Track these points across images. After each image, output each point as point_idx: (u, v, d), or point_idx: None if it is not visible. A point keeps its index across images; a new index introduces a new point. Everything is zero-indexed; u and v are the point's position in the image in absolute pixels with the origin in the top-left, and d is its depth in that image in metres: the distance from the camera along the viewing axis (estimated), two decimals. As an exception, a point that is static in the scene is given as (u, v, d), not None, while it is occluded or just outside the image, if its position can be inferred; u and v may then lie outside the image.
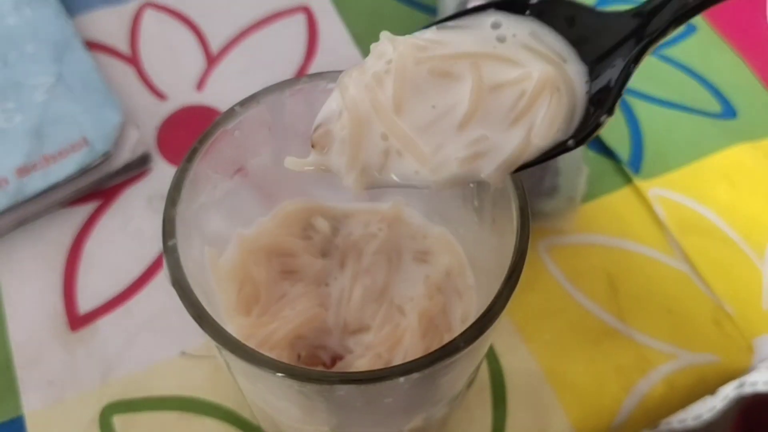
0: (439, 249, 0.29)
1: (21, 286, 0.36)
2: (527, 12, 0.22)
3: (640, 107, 0.43)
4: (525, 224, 0.21)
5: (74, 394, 0.33)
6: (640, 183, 0.40)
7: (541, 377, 0.34)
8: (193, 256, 0.22)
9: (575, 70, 0.21)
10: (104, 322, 0.35)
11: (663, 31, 0.20)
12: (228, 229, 0.27)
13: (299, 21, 0.46)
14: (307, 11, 0.46)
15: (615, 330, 0.36)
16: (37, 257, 0.37)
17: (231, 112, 0.24)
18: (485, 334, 0.21)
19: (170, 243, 0.21)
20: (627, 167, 0.41)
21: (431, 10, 0.46)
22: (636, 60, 0.20)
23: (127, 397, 0.33)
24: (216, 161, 0.24)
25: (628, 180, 0.40)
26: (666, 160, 0.41)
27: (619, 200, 0.40)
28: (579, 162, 0.37)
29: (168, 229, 0.22)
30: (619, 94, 0.20)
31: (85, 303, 0.36)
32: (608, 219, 0.39)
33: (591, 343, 0.35)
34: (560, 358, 0.35)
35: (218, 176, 0.25)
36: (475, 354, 0.23)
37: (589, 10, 0.21)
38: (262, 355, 0.20)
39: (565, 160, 0.36)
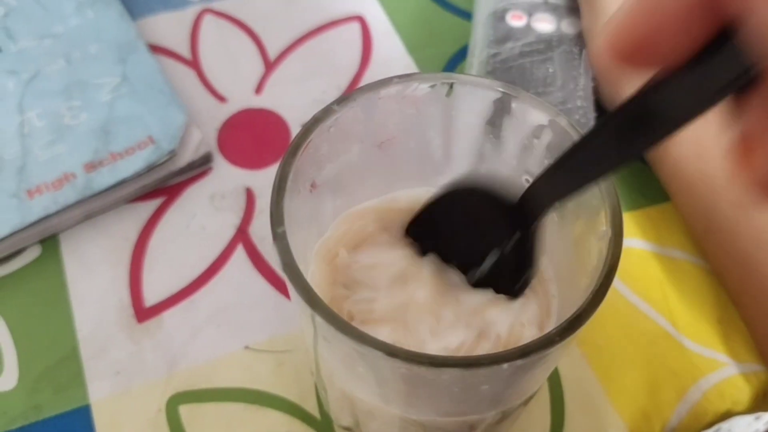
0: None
1: (88, 278, 0.37)
2: None
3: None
4: (618, 219, 0.22)
5: (141, 384, 0.34)
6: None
7: (594, 381, 0.35)
8: (297, 245, 0.23)
9: None
10: (169, 315, 0.36)
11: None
12: (320, 223, 0.28)
13: (354, 30, 0.47)
14: (361, 20, 0.47)
15: (668, 334, 0.36)
16: (104, 250, 0.38)
17: (329, 110, 0.25)
18: (580, 329, 0.22)
19: (279, 230, 0.22)
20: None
21: (482, 23, 0.47)
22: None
23: (193, 388, 0.34)
24: (313, 156, 0.25)
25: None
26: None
27: (669, 210, 0.40)
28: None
29: (276, 218, 0.23)
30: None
31: (151, 296, 0.36)
32: (659, 227, 0.40)
33: (645, 346, 0.36)
34: (613, 362, 0.36)
35: (313, 171, 0.26)
36: (562, 351, 0.24)
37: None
38: (370, 336, 0.21)
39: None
